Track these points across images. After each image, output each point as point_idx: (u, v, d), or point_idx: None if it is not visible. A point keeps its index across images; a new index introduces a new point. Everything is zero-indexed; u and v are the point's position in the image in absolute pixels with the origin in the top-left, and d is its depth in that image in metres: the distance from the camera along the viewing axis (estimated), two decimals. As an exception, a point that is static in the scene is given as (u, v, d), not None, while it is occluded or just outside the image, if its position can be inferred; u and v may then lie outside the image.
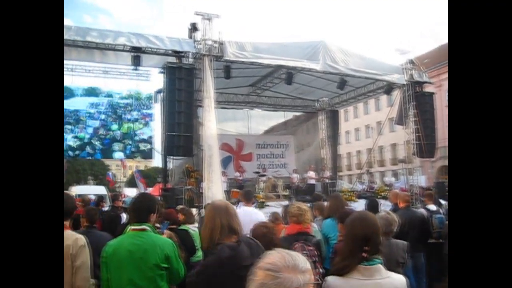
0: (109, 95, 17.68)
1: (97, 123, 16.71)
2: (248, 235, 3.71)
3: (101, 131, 16.62)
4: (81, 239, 3.66)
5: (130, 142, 16.92)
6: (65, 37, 15.04)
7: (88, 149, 16.35)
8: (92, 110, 16.82)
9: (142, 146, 17.04)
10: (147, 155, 17.64)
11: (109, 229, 7.33)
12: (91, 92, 17.34)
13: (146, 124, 17.61)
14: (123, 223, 7.56)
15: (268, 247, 3.47)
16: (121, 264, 3.35)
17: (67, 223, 3.85)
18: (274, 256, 1.59)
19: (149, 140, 17.17)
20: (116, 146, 16.79)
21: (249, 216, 6.96)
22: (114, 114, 17.13)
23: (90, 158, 17.89)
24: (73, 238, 3.62)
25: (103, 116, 16.99)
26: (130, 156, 17.49)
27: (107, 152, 16.81)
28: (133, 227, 3.49)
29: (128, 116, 17.40)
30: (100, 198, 10.75)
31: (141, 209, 3.57)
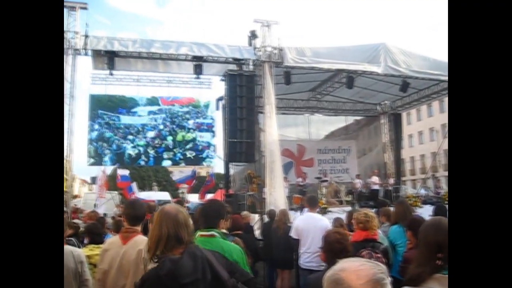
0: (171, 104, 18.17)
1: (153, 133, 17.38)
2: (320, 243, 3.63)
3: (157, 141, 17.25)
4: None
5: (180, 151, 17.44)
6: (131, 49, 15.69)
7: (143, 157, 16.94)
8: (151, 120, 17.45)
9: (188, 154, 17.45)
10: (193, 162, 18.12)
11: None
12: (153, 101, 17.94)
13: (201, 131, 18.01)
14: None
15: (342, 254, 3.42)
16: None
17: (138, 228, 3.98)
18: (367, 267, 1.56)
19: (196, 148, 17.58)
20: (166, 154, 17.23)
21: (314, 222, 6.91)
22: (171, 123, 17.69)
23: (144, 165, 18.50)
24: (144, 243, 3.73)
25: (161, 126, 17.60)
26: (176, 163, 18.11)
27: (158, 160, 17.42)
28: (201, 233, 3.53)
29: (184, 124, 17.90)
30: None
31: (211, 215, 3.61)
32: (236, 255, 3.39)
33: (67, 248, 4.23)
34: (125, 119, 16.71)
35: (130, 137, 16.63)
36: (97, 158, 16.59)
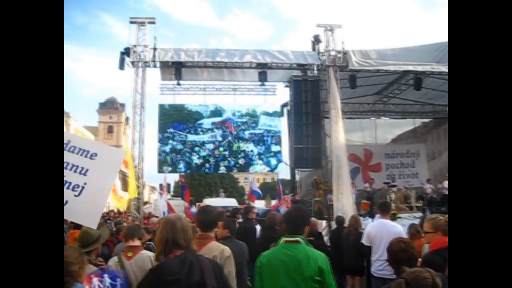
0: (232, 114, 18.56)
1: (213, 146, 18.53)
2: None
3: (216, 152, 18.42)
4: (227, 250, 3.81)
5: (234, 159, 18.48)
6: (197, 59, 16.11)
7: (206, 165, 18.56)
8: (213, 132, 18.53)
9: (240, 161, 18.43)
10: (242, 168, 19.09)
11: (244, 240, 7.59)
12: (216, 112, 18.74)
13: (253, 142, 18.54)
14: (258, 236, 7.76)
15: (409, 263, 3.30)
16: (275, 274, 3.41)
17: (211, 234, 4.04)
18: None
19: (248, 156, 18.47)
20: (222, 163, 18.51)
21: (387, 229, 6.70)
22: (230, 134, 18.52)
23: (208, 172, 19.93)
24: (219, 249, 3.79)
25: (219, 138, 18.60)
26: (230, 170, 19.48)
27: (217, 168, 18.82)
28: (286, 238, 3.53)
29: (241, 135, 18.69)
30: (236, 210, 11.18)
31: (297, 221, 3.61)
32: (321, 262, 3.36)
33: (145, 253, 4.38)
34: (192, 137, 18.33)
35: (196, 148, 18.24)
36: (173, 167, 18.31)
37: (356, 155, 22.14)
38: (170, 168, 18.38)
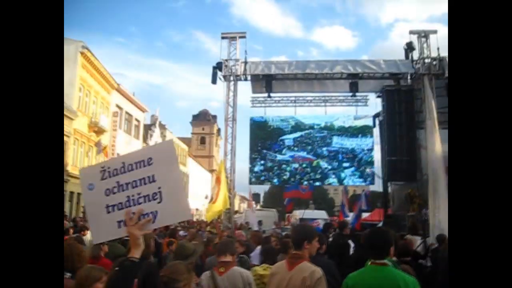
0: (311, 127, 18.60)
1: (297, 165, 18.90)
2: None
3: (298, 169, 18.85)
4: (318, 271, 3.64)
5: (312, 174, 18.86)
6: (287, 71, 16.19)
7: (291, 180, 19.33)
8: (296, 150, 18.92)
9: (317, 175, 18.81)
10: (319, 180, 19.32)
11: (337, 256, 7.35)
12: (296, 128, 18.93)
13: (330, 157, 18.73)
14: (352, 254, 7.51)
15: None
16: None
17: (304, 252, 3.89)
18: None
19: (323, 172, 18.78)
20: (304, 177, 18.94)
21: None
22: (310, 151, 18.80)
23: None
24: (310, 270, 3.65)
25: (303, 154, 18.86)
26: (309, 183, 19.76)
27: (300, 182, 19.65)
28: (373, 260, 3.38)
29: (318, 152, 18.81)
30: (328, 225, 10.92)
31: (379, 245, 3.43)
32: (412, 286, 3.16)
33: (236, 269, 4.39)
34: (279, 156, 18.89)
35: (284, 166, 18.78)
36: (266, 182, 19.32)
37: (455, 167, 20.90)
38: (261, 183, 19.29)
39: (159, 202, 2.27)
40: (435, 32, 15.60)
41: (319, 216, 25.88)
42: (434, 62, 15.15)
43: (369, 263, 3.42)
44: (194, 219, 32.97)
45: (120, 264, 2.12)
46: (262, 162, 18.68)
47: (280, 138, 18.78)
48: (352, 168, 18.38)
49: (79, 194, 25.23)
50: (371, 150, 18.22)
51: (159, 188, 2.30)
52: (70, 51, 24.53)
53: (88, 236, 9.40)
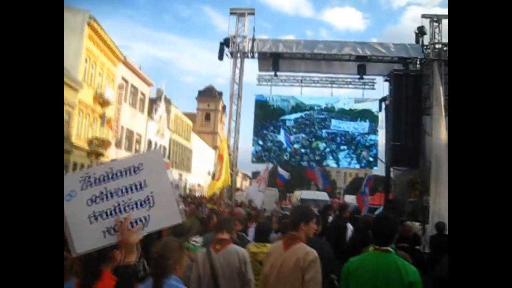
0: (311, 108, 18.62)
1: (298, 146, 18.99)
2: None
3: (298, 150, 18.96)
4: (312, 253, 3.58)
5: (312, 155, 18.97)
6: (295, 50, 16.01)
7: (292, 160, 19.67)
8: (295, 130, 18.97)
9: (317, 157, 18.97)
10: (319, 162, 19.68)
11: (334, 239, 7.35)
12: (296, 108, 18.88)
13: (330, 139, 18.77)
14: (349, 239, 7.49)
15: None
16: (363, 283, 3.24)
17: (300, 233, 3.84)
18: None
19: (322, 153, 18.90)
20: (303, 158, 19.06)
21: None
22: (309, 133, 18.84)
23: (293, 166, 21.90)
24: (303, 252, 3.59)
25: (302, 136, 18.91)
26: (309, 164, 19.99)
27: (300, 163, 19.90)
28: (376, 246, 3.34)
29: (318, 134, 18.81)
30: (328, 207, 10.89)
31: (385, 233, 3.38)
32: (413, 276, 3.12)
33: (232, 247, 4.37)
34: (280, 137, 18.95)
35: (283, 146, 18.88)
36: (264, 159, 18.91)
37: (458, 155, 20.79)
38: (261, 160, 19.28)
39: (151, 207, 2.26)
40: (447, 17, 15.32)
41: (320, 197, 25.89)
42: (445, 48, 14.93)
43: (372, 248, 3.40)
44: (196, 195, 33.12)
45: (119, 273, 2.14)
46: (262, 142, 18.75)
47: (281, 118, 18.81)
48: (349, 151, 18.40)
49: (82, 165, 25.34)
50: (368, 134, 18.13)
51: (151, 192, 2.29)
52: (77, 21, 24.32)
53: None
